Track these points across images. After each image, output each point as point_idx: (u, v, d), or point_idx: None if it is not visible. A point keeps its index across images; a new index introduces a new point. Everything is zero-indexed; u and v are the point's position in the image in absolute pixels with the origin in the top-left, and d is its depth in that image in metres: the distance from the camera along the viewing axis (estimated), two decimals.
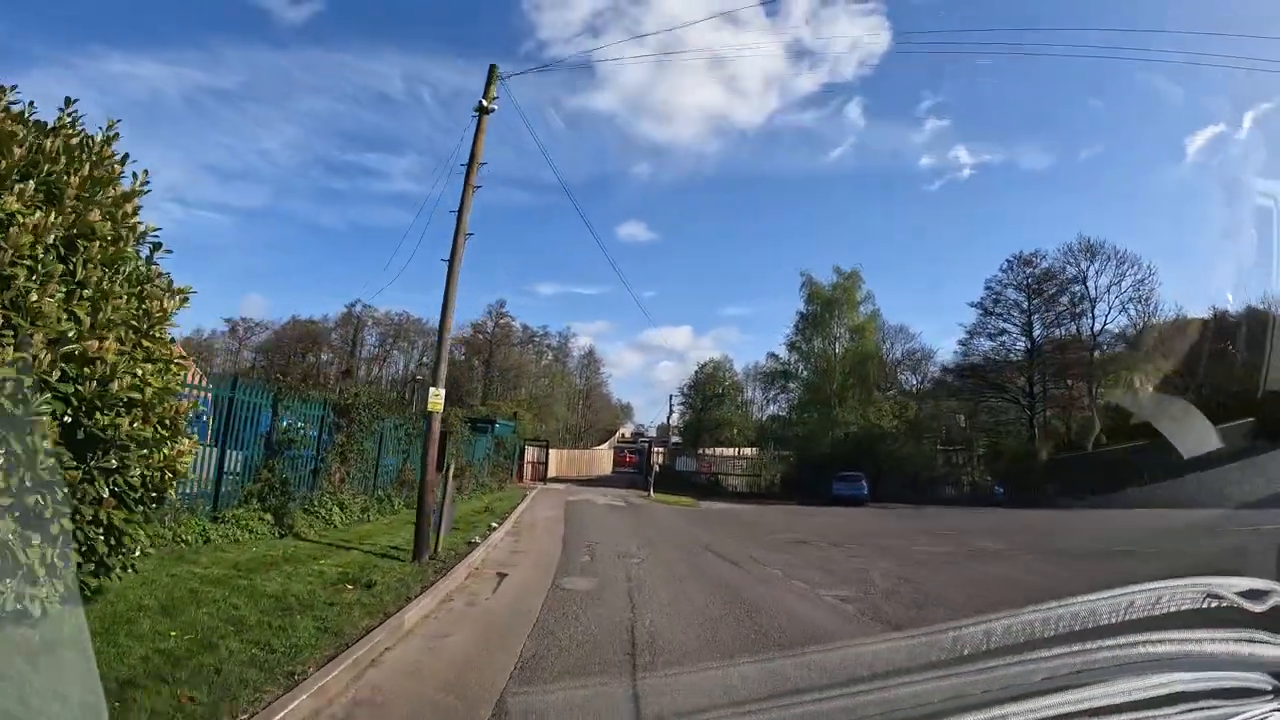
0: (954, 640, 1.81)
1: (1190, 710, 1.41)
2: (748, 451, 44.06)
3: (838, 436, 36.78)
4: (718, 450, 44.77)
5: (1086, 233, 42.88)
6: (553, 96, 75.78)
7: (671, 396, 58.90)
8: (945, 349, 66.77)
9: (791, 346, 42.80)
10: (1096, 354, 35.86)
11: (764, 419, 49.60)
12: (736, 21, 67.36)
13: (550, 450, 38.94)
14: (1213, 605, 1.66)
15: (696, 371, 53.17)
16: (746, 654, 5.21)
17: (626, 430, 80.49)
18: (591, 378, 71.95)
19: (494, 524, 13.35)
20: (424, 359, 62.72)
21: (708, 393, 51.30)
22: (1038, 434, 35.73)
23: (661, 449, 50.83)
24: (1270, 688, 1.50)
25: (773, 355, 45.17)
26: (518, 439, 33.93)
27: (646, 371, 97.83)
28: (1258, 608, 1.61)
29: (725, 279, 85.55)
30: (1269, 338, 23.37)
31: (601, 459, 55.08)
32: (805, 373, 41.69)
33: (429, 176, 79.05)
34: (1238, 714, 1.39)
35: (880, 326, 42.21)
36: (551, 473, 38.03)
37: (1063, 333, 38.05)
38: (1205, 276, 55.34)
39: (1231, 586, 1.67)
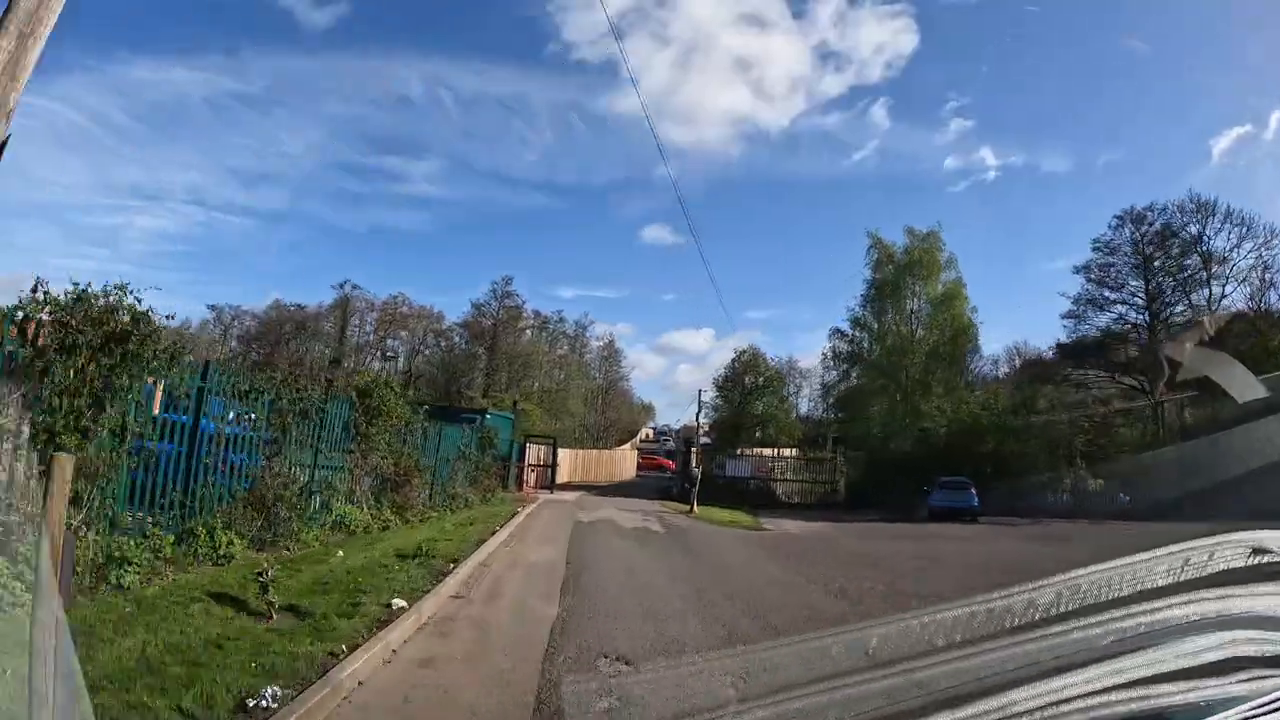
0: (1028, 603, 1.83)
1: (1245, 680, 1.44)
2: (787, 452, 37.04)
3: (921, 432, 30.43)
4: (757, 451, 38.03)
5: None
6: (574, 100, 77.27)
7: (701, 392, 49.86)
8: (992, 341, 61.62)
9: (857, 324, 35.69)
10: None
11: (816, 412, 44.12)
12: (762, 23, 70.42)
13: (561, 450, 32.96)
14: (1261, 560, 1.70)
15: (733, 360, 43.82)
16: None
17: (647, 431, 76.24)
18: (611, 372, 64.96)
19: (398, 604, 6.27)
20: (422, 347, 57.87)
21: (747, 384, 43.45)
22: (1164, 428, 28.97)
23: (692, 450, 43.19)
24: None
25: (837, 331, 37.25)
26: (518, 435, 28.59)
27: (666, 375, 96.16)
28: None
29: (748, 282, 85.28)
30: None
31: (623, 461, 48.45)
32: (877, 353, 34.83)
33: (449, 180, 79.21)
34: None
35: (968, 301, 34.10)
36: (563, 477, 32.33)
37: (1186, 304, 32.48)
38: None
39: (1277, 539, 1.70)
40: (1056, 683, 1.48)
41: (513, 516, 15.00)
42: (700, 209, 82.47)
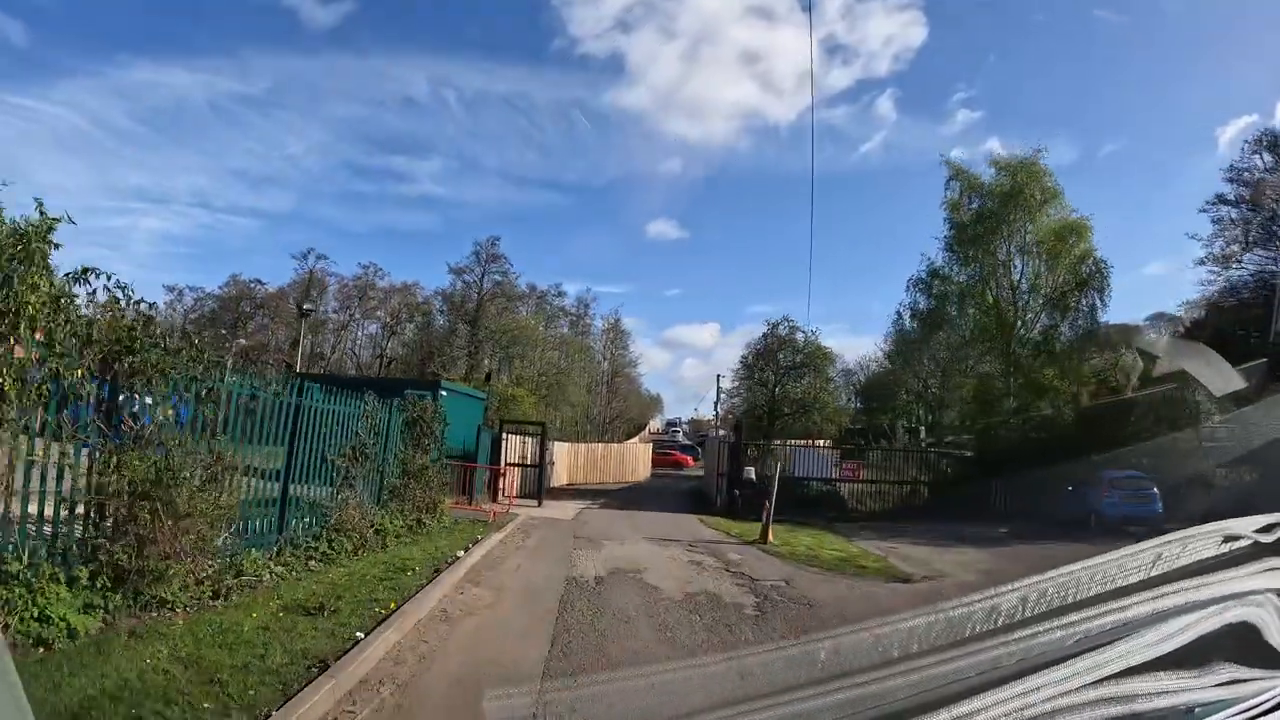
0: (991, 610, 1.89)
1: (1227, 683, 1.52)
2: (821, 443, 29.76)
3: (1038, 412, 24.02)
4: (812, 442, 29.68)
5: None
6: (577, 97, 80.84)
7: (720, 377, 44.83)
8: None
9: (935, 276, 28.41)
10: None
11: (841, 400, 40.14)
12: (769, 16, 72.60)
13: (558, 445, 28.85)
14: (1232, 546, 1.80)
15: (766, 334, 36.96)
16: None
17: (655, 424, 74.26)
18: (618, 356, 58.77)
19: None
20: (399, 327, 53.22)
21: (781, 362, 36.25)
22: None
23: (742, 442, 36.49)
24: None
25: (919, 282, 29.58)
26: (492, 422, 22.96)
27: (672, 370, 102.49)
28: (1270, 538, 1.76)
29: (751, 276, 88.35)
30: None
31: (634, 458, 40.51)
32: (972, 315, 27.50)
33: (455, 180, 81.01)
34: (1272, 688, 1.48)
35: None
36: (560, 479, 27.86)
37: None
38: None
39: (1248, 525, 1.79)
40: (1019, 687, 1.49)
41: (434, 577, 8.10)
42: (703, 203, 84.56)
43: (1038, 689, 1.45)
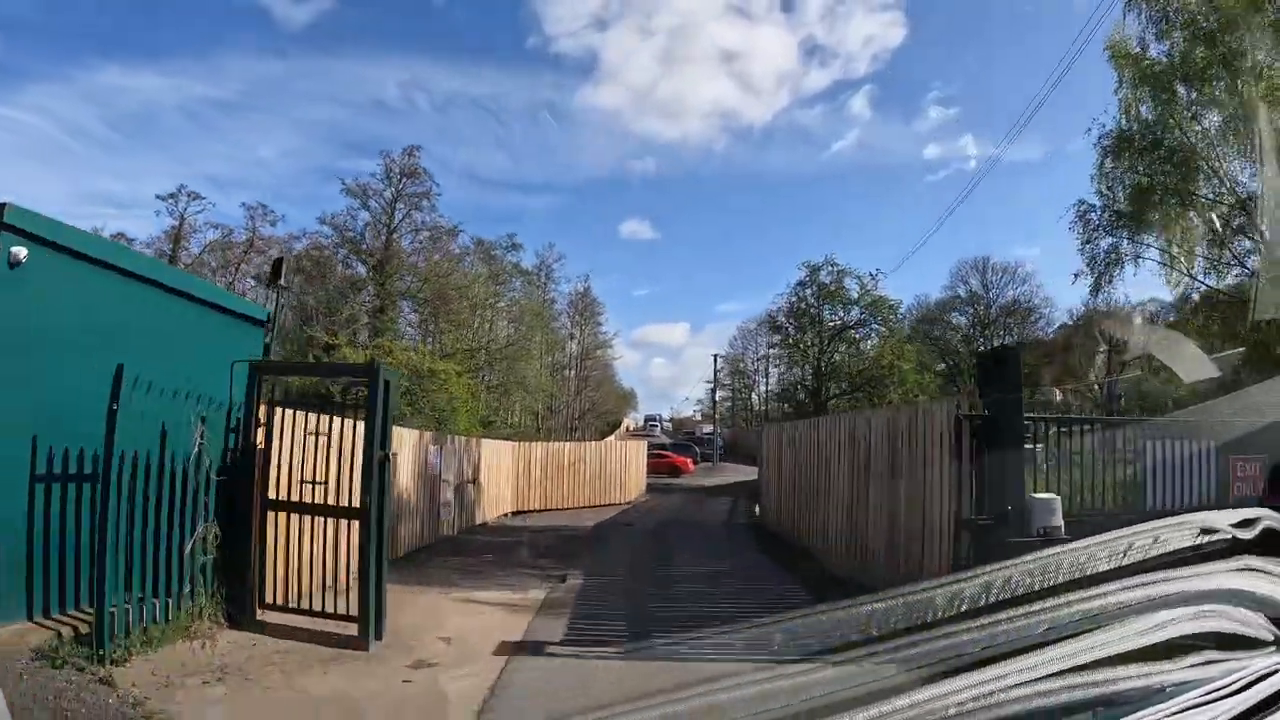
0: (951, 596, 1.82)
1: (1198, 664, 1.53)
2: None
3: None
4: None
5: None
6: (547, 98, 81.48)
7: (716, 357, 42.59)
8: None
9: (1127, 140, 17.92)
10: None
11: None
12: (746, 14, 73.52)
13: (492, 445, 18.81)
14: (1208, 540, 1.78)
15: (802, 282, 27.74)
16: None
17: (630, 421, 66.64)
18: (588, 336, 48.43)
19: None
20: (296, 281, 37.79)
21: (826, 321, 27.02)
22: None
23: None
24: (1272, 638, 1.61)
25: (1112, 138, 18.59)
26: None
27: (641, 370, 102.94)
28: (1247, 535, 1.75)
29: (721, 274, 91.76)
30: None
31: (621, 463, 25.15)
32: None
33: None
34: (1242, 669, 1.50)
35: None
36: (501, 502, 19.08)
37: None
38: None
39: (1225, 519, 1.78)
40: (992, 672, 1.43)
41: None
42: (677, 202, 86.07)
43: (1003, 676, 1.40)
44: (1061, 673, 1.46)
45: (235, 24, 72.16)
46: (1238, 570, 1.63)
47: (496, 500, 18.35)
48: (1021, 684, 1.43)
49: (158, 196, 37.07)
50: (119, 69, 76.50)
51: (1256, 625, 1.61)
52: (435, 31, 77.65)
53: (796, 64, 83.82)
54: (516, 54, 76.37)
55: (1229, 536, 1.74)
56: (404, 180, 33.02)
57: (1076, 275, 19.87)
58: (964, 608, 1.73)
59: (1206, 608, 1.60)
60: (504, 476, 18.99)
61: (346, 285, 33.28)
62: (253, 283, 36.63)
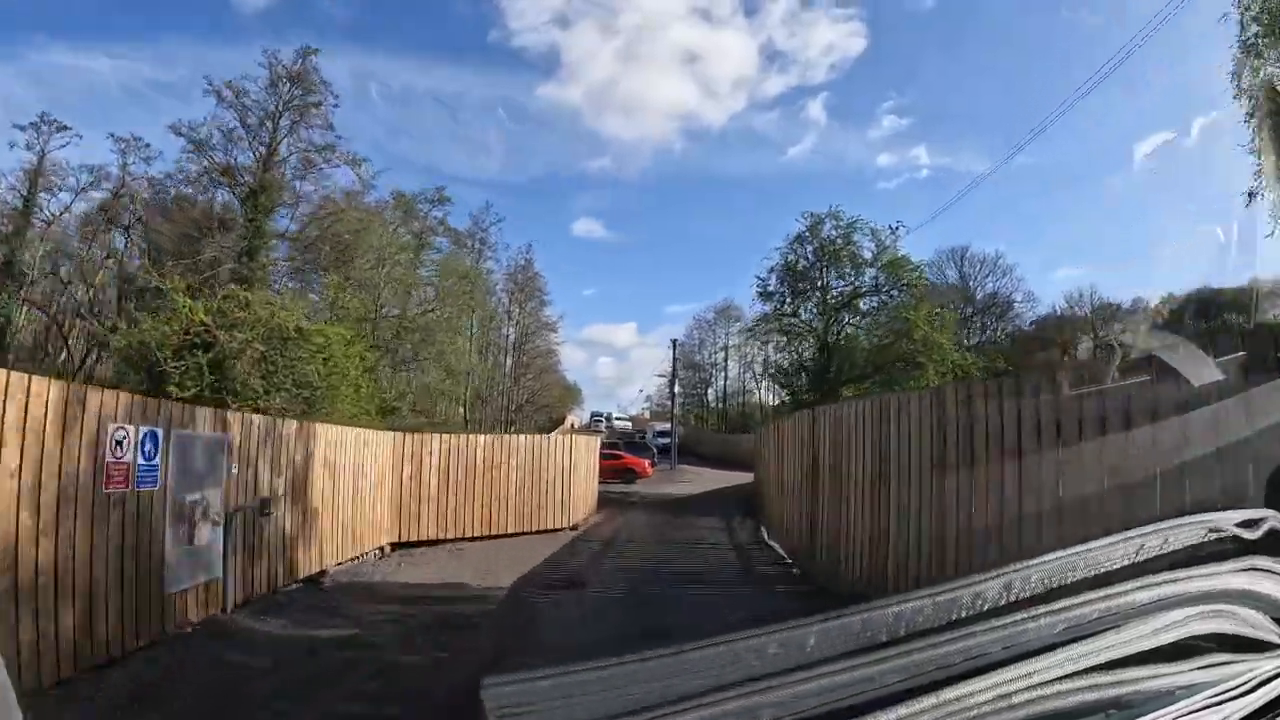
0: (975, 596, 1.77)
1: (1207, 666, 1.51)
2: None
3: None
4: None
5: None
6: (503, 95, 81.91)
7: (675, 342, 36.66)
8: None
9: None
10: None
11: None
12: (710, 19, 75.22)
13: (381, 439, 12.89)
14: (1214, 539, 1.76)
15: (800, 236, 22.36)
16: None
17: (574, 418, 57.25)
18: (528, 317, 41.82)
19: None
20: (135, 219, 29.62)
21: (833, 291, 21.97)
22: None
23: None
24: (1278, 639, 1.59)
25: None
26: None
27: (587, 369, 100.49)
28: (1252, 535, 1.74)
29: (672, 275, 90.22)
30: None
31: (560, 464, 16.17)
32: None
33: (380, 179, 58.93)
34: (1250, 670, 1.48)
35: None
36: (382, 532, 12.56)
37: None
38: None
39: (1230, 519, 1.76)
40: (1006, 674, 1.41)
41: None
42: (636, 202, 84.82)
43: (1026, 675, 1.42)
44: (1077, 673, 1.45)
45: (186, 6, 70.24)
46: (1245, 571, 1.63)
47: (356, 529, 11.31)
48: (1042, 684, 1.43)
49: (15, 126, 27.91)
50: (67, 49, 75.36)
51: (1264, 627, 1.61)
52: (392, 22, 75.00)
53: (756, 68, 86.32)
54: (475, 47, 75.61)
55: (1232, 536, 1.74)
56: (291, 88, 23.65)
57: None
58: (985, 607, 1.70)
59: (1215, 608, 1.60)
60: (376, 487, 12.24)
61: (206, 220, 25.08)
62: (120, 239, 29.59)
